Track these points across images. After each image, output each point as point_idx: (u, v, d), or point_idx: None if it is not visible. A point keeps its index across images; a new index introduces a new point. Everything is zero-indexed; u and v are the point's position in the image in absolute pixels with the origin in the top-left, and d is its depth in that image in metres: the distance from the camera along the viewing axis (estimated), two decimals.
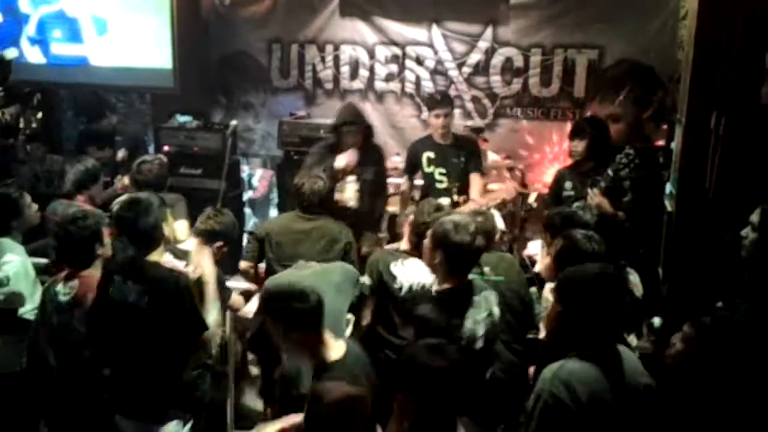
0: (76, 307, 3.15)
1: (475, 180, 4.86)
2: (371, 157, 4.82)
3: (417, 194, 5.07)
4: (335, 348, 2.69)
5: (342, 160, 4.67)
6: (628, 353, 2.41)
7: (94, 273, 3.19)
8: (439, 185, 4.86)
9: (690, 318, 2.42)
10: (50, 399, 3.26)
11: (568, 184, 4.57)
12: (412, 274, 3.40)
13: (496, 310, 2.98)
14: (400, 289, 3.39)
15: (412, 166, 5.07)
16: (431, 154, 4.92)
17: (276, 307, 2.74)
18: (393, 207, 5.28)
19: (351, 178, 4.71)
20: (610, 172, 4.10)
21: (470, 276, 3.06)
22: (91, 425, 3.15)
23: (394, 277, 3.41)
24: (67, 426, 3.27)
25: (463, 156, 4.88)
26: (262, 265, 4.17)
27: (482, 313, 2.91)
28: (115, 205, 3.23)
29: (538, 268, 3.49)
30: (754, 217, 3.08)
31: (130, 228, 3.04)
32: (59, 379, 3.20)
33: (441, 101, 4.96)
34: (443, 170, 4.86)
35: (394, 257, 3.50)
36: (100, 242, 3.26)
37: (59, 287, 3.24)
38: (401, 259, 3.47)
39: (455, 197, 4.79)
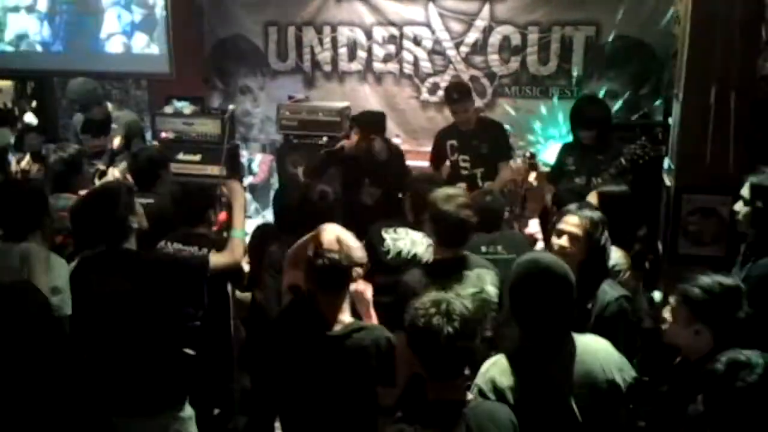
0: None
1: (502, 168, 4.88)
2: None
3: None
4: None
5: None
6: (592, 348, 2.32)
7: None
8: (463, 171, 4.89)
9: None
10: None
11: (570, 159, 4.65)
12: (404, 241, 3.45)
13: (491, 289, 2.96)
14: (387, 252, 3.46)
15: (438, 156, 5.06)
16: (454, 142, 4.95)
17: None
18: None
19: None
20: (623, 161, 4.19)
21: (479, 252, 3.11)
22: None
23: (382, 240, 3.48)
24: None
25: (486, 142, 4.89)
26: None
27: (469, 288, 2.90)
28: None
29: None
30: (745, 191, 3.09)
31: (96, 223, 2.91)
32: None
33: (458, 99, 4.86)
34: (466, 156, 4.89)
35: (389, 224, 3.57)
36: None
37: None
38: (395, 227, 3.54)
39: (480, 183, 4.82)
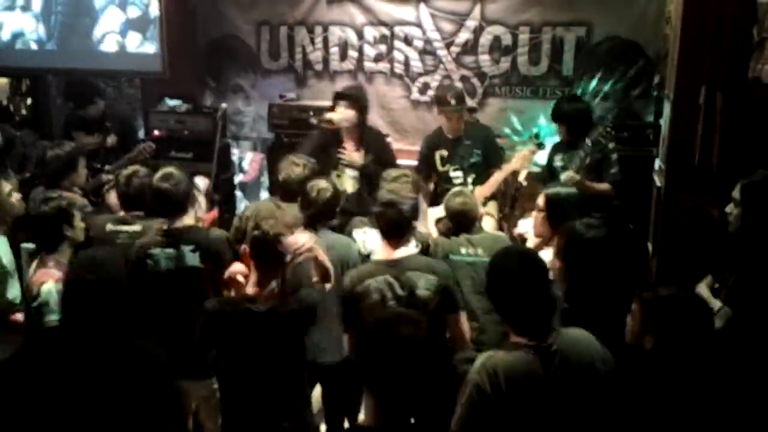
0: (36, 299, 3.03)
1: (494, 176, 4.78)
2: (370, 145, 4.76)
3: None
4: None
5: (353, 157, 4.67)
6: (582, 338, 2.36)
7: (60, 258, 3.14)
8: (456, 181, 4.81)
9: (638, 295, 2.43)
10: None
11: (557, 156, 4.72)
12: (371, 242, 3.47)
13: (422, 293, 2.96)
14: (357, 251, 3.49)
15: (426, 164, 4.95)
16: (444, 153, 4.86)
17: None
18: None
19: (352, 171, 4.68)
20: (588, 142, 4.26)
21: (455, 257, 3.23)
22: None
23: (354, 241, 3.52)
24: None
25: (478, 149, 4.82)
26: None
27: (399, 290, 2.95)
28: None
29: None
30: (736, 193, 3.13)
31: (166, 198, 3.26)
32: None
33: (455, 103, 4.74)
34: (457, 166, 4.82)
35: (362, 224, 3.59)
36: (68, 224, 3.22)
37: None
38: (366, 227, 3.57)
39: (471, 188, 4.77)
